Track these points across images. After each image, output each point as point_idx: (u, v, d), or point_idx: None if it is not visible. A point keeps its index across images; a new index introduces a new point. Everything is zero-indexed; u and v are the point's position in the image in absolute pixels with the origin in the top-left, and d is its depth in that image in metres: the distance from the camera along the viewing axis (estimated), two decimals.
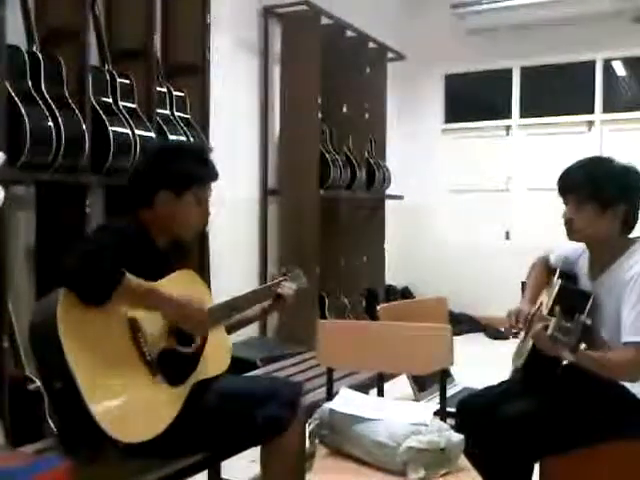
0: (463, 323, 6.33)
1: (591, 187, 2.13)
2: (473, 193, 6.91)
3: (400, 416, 2.08)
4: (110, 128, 3.13)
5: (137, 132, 3.23)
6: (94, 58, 3.30)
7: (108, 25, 3.46)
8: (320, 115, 4.89)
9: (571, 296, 2.15)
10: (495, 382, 2.41)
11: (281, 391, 2.16)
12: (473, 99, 7.34)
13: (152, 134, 3.36)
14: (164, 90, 3.67)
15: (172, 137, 3.55)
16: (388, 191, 6.02)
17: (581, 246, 2.32)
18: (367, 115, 5.67)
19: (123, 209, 2.15)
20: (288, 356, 3.82)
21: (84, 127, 2.99)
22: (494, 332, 6.28)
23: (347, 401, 2.20)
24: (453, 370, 3.23)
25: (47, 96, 2.89)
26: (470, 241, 6.77)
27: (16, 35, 2.89)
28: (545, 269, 2.47)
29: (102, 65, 3.34)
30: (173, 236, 2.14)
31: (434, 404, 2.46)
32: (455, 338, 2.33)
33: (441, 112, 7.16)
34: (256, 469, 2.28)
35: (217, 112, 4.02)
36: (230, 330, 2.31)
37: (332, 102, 5.11)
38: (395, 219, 6.44)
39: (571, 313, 1.89)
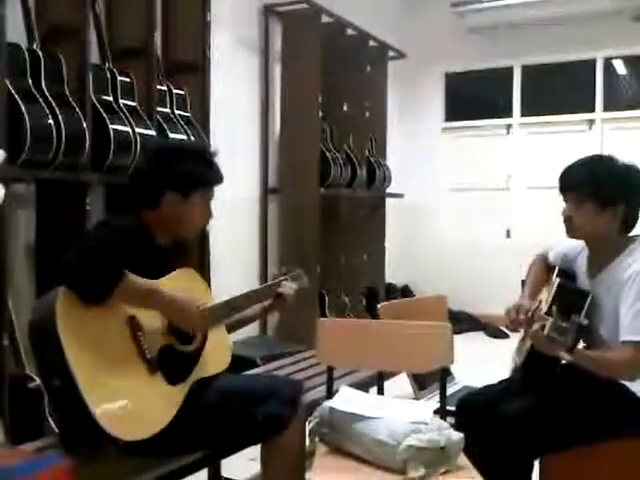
0: (463, 321, 6.32)
1: (591, 185, 2.13)
2: (473, 191, 6.91)
3: (400, 414, 2.08)
4: (110, 126, 3.13)
5: (137, 130, 3.23)
6: (94, 56, 3.30)
7: (108, 23, 3.46)
8: (320, 113, 4.89)
9: (569, 295, 2.15)
10: (495, 381, 2.41)
11: (281, 389, 2.16)
12: (473, 97, 7.34)
13: (152, 132, 3.36)
14: (164, 88, 3.66)
15: (172, 135, 3.55)
16: (388, 190, 6.02)
17: (580, 244, 2.32)
18: (367, 113, 5.66)
19: (124, 207, 2.15)
20: (288, 355, 3.82)
21: (84, 125, 2.99)
22: (494, 330, 6.28)
23: (347, 399, 2.20)
24: (453, 368, 3.23)
25: (47, 94, 2.89)
26: (470, 240, 6.77)
27: (16, 33, 2.89)
28: (544, 266, 2.47)
29: (102, 63, 3.34)
30: (176, 236, 2.15)
31: (434, 402, 2.46)
32: (455, 336, 2.33)
33: (441, 111, 7.16)
34: (256, 467, 2.28)
35: (217, 110, 4.02)
36: (230, 329, 2.31)
37: (332, 100, 5.11)
38: (395, 217, 6.43)
39: (568, 313, 1.90)
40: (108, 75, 3.28)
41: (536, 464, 2.19)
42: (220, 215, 2.27)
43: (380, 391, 2.60)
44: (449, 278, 6.32)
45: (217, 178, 2.18)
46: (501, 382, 2.37)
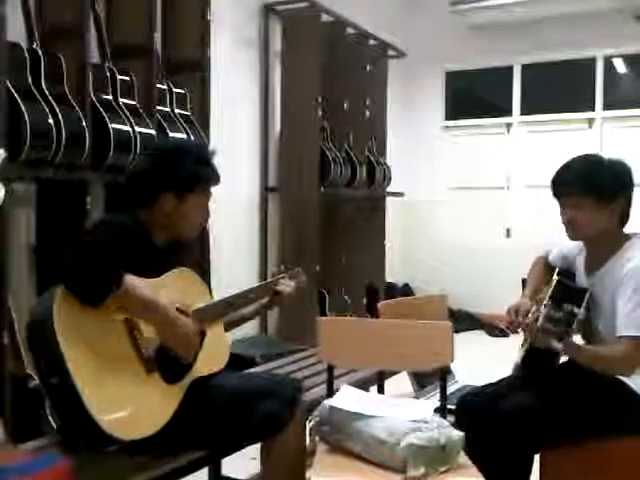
0: (463, 321, 6.33)
1: (588, 183, 2.14)
2: (473, 190, 6.91)
3: (400, 413, 2.08)
4: (110, 125, 3.13)
5: (137, 129, 3.23)
6: (94, 55, 3.29)
7: (108, 22, 3.45)
8: (320, 112, 4.89)
9: (567, 292, 2.17)
10: (495, 379, 2.41)
11: (281, 388, 2.16)
12: (474, 96, 7.34)
13: (152, 131, 3.36)
14: (164, 87, 3.66)
15: (172, 134, 3.55)
16: (388, 188, 6.02)
17: (578, 245, 2.34)
18: (367, 112, 5.66)
19: (123, 206, 2.15)
20: (288, 353, 3.82)
21: (84, 124, 2.99)
22: (494, 329, 6.28)
23: (347, 398, 2.20)
24: (453, 367, 3.23)
25: (47, 93, 2.89)
26: (470, 238, 6.77)
27: (16, 32, 2.89)
28: (545, 267, 2.48)
29: (102, 62, 3.33)
30: (173, 235, 2.14)
31: (434, 401, 2.46)
32: (455, 335, 2.33)
33: (442, 109, 7.15)
34: (256, 466, 2.28)
35: (217, 109, 4.02)
36: (228, 327, 2.30)
37: (333, 99, 5.12)
38: (395, 216, 6.44)
39: (562, 304, 1.92)
40: (108, 74, 3.28)
41: (536, 463, 2.19)
42: (220, 214, 2.28)
43: (380, 390, 2.61)
44: (449, 277, 6.33)
45: (214, 178, 2.18)
46: (501, 381, 2.37)
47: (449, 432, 2.01)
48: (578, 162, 2.22)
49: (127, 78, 3.36)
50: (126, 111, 3.27)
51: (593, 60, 6.47)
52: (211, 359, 2.12)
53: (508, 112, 6.88)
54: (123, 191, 2.16)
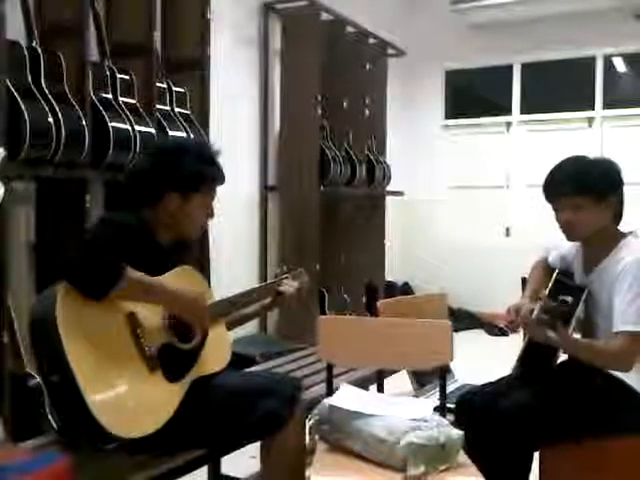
0: (463, 319, 6.33)
1: (582, 184, 2.16)
2: (473, 189, 6.91)
3: (400, 412, 2.08)
4: (110, 124, 3.13)
5: (137, 128, 3.23)
6: (94, 53, 3.29)
7: (108, 20, 3.45)
8: (320, 111, 4.89)
9: (566, 289, 2.18)
10: (494, 378, 2.41)
11: (281, 386, 2.16)
12: (473, 95, 7.34)
13: (152, 130, 3.36)
14: (164, 86, 3.66)
15: (172, 133, 3.55)
16: (388, 187, 6.02)
17: (575, 245, 2.36)
18: (367, 111, 5.66)
19: (124, 205, 2.15)
20: (288, 352, 3.82)
21: (84, 123, 2.99)
22: (494, 328, 6.28)
23: (347, 397, 2.20)
24: (453, 366, 3.22)
25: (47, 92, 2.89)
26: (470, 237, 6.77)
27: (15, 30, 2.88)
28: (545, 268, 2.48)
29: (102, 60, 3.33)
30: (177, 234, 2.15)
31: (434, 400, 2.46)
32: (455, 334, 2.34)
33: (441, 108, 7.15)
34: (256, 465, 2.28)
35: (217, 108, 4.02)
36: (230, 326, 2.31)
37: (332, 98, 5.12)
38: (395, 215, 6.43)
39: (556, 296, 1.95)
40: (107, 73, 3.28)
41: (536, 461, 2.19)
42: (220, 213, 2.27)
43: (380, 389, 2.61)
44: (449, 276, 6.33)
45: (219, 177, 2.18)
46: (501, 380, 2.37)
47: (449, 431, 2.01)
48: (568, 164, 2.24)
49: (127, 77, 3.36)
50: (126, 110, 3.26)
51: (593, 59, 6.47)
52: (213, 358, 2.13)
53: (508, 111, 6.88)
54: (126, 190, 2.16)
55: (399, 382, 3.27)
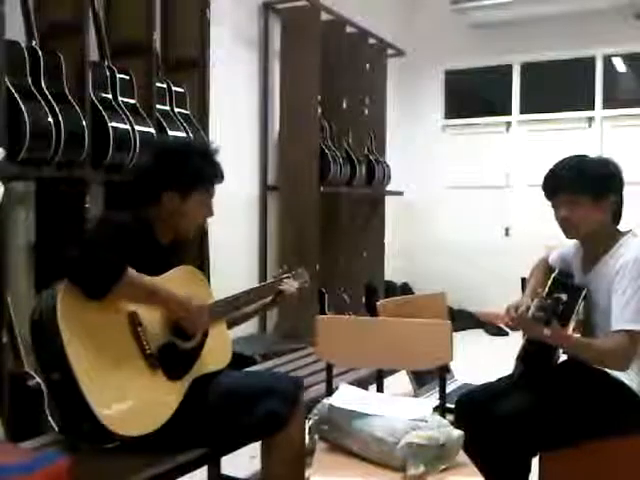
0: (462, 319, 6.33)
1: (581, 181, 2.17)
2: (473, 189, 6.91)
3: (400, 412, 2.09)
4: (110, 124, 3.13)
5: (137, 128, 3.23)
6: (94, 53, 3.29)
7: (108, 20, 3.45)
8: (320, 111, 4.89)
9: (564, 288, 2.18)
10: (494, 378, 2.41)
11: (281, 386, 2.16)
12: (473, 95, 7.33)
13: (152, 130, 3.36)
14: (164, 86, 3.66)
15: (171, 133, 3.55)
16: (388, 187, 6.02)
17: (575, 244, 2.36)
18: (367, 111, 5.66)
19: (125, 204, 2.15)
20: (288, 352, 3.81)
21: (84, 123, 2.99)
22: (493, 328, 6.28)
23: (347, 397, 2.20)
24: (452, 366, 3.23)
25: (47, 92, 2.89)
26: (470, 237, 6.77)
27: (15, 30, 2.88)
28: (545, 269, 2.49)
29: (102, 61, 3.33)
30: (177, 233, 2.15)
31: (434, 400, 2.47)
32: (454, 334, 2.34)
33: (441, 108, 7.15)
34: (256, 465, 2.28)
35: (217, 108, 4.01)
36: (231, 325, 2.31)
37: (332, 98, 5.11)
38: (395, 215, 6.43)
39: (552, 294, 1.96)
40: (107, 73, 3.28)
41: (535, 463, 2.19)
42: (219, 213, 2.28)
43: (380, 388, 2.60)
44: (448, 276, 6.32)
45: (217, 177, 2.18)
46: (500, 380, 2.38)
47: (448, 431, 2.01)
48: (568, 162, 2.24)
49: (126, 77, 3.36)
50: (125, 110, 3.26)
51: (593, 59, 6.47)
52: (214, 357, 2.13)
53: (508, 111, 6.88)
54: (129, 189, 2.17)
55: (399, 382, 3.27)
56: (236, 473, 2.67)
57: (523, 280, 2.51)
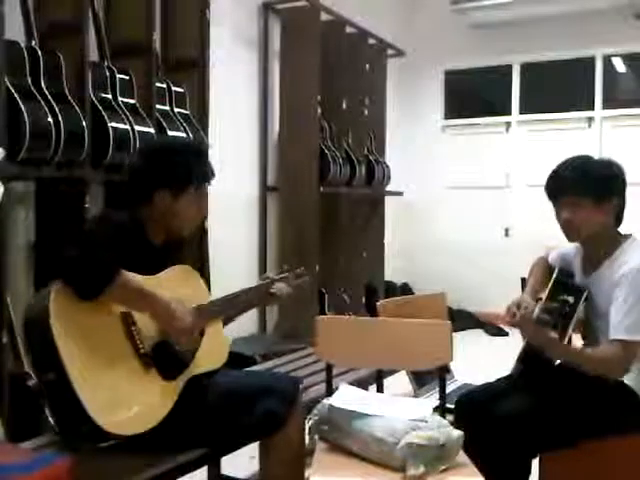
0: (462, 320, 6.33)
1: (585, 183, 2.15)
2: (473, 189, 6.90)
3: (399, 412, 2.08)
4: (109, 124, 3.13)
5: (136, 128, 3.23)
6: (93, 54, 3.29)
7: (107, 20, 3.45)
8: (320, 111, 4.89)
9: (565, 289, 2.17)
10: (494, 379, 2.41)
11: (280, 386, 2.16)
12: (473, 95, 7.33)
13: (151, 130, 3.36)
14: (163, 86, 3.66)
15: (171, 133, 3.55)
16: (388, 187, 6.02)
17: (576, 245, 2.35)
18: (367, 111, 5.66)
19: (122, 204, 2.15)
20: (287, 352, 3.81)
21: (84, 123, 2.99)
22: (493, 329, 6.28)
23: (346, 397, 2.20)
24: (452, 366, 3.23)
25: (46, 92, 2.89)
26: (470, 237, 6.76)
27: (15, 30, 2.88)
28: (545, 267, 2.48)
29: (101, 61, 3.33)
30: (170, 232, 2.14)
31: (433, 400, 2.47)
32: (454, 334, 2.33)
33: (441, 108, 7.15)
34: (256, 465, 2.28)
35: (216, 108, 4.01)
36: (225, 322, 2.30)
37: (332, 98, 5.11)
38: (395, 215, 6.43)
39: (557, 297, 1.95)
40: (107, 73, 3.28)
41: (535, 463, 2.19)
42: (219, 213, 2.27)
43: (379, 389, 2.60)
44: (448, 276, 6.32)
45: (207, 175, 2.17)
46: (500, 380, 2.37)
47: (448, 431, 2.01)
48: (571, 163, 2.23)
49: (126, 77, 3.36)
50: (125, 110, 3.26)
51: (592, 59, 6.47)
52: (210, 356, 2.12)
53: (507, 111, 6.88)
54: (123, 188, 2.16)
55: (399, 382, 3.27)
56: (236, 473, 2.67)
57: (523, 280, 2.51)
